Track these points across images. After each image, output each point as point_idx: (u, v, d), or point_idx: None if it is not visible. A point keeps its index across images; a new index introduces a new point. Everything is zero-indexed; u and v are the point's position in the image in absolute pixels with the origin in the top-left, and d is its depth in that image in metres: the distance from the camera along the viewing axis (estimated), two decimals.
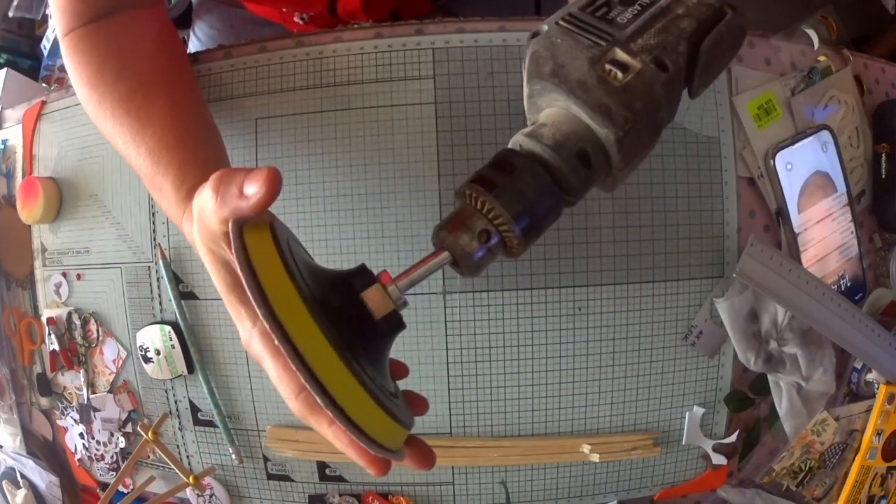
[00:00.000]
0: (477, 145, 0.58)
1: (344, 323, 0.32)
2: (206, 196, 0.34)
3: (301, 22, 0.68)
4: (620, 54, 0.36)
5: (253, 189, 0.32)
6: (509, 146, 0.38)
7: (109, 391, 0.70)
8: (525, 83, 0.40)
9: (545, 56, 0.37)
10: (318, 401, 0.29)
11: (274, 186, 0.32)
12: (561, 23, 0.38)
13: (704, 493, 0.65)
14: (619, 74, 0.36)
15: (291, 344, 0.28)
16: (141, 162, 0.47)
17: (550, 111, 0.38)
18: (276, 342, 0.28)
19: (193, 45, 0.84)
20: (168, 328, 0.64)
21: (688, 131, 0.59)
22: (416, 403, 0.40)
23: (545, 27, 0.39)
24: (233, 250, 0.30)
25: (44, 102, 0.71)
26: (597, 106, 0.35)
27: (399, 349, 0.61)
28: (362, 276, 0.34)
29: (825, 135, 0.61)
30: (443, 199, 0.59)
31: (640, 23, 0.38)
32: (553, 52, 0.37)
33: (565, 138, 0.36)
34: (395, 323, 0.34)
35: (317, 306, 0.30)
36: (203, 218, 0.35)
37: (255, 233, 0.32)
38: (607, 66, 0.36)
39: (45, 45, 1.14)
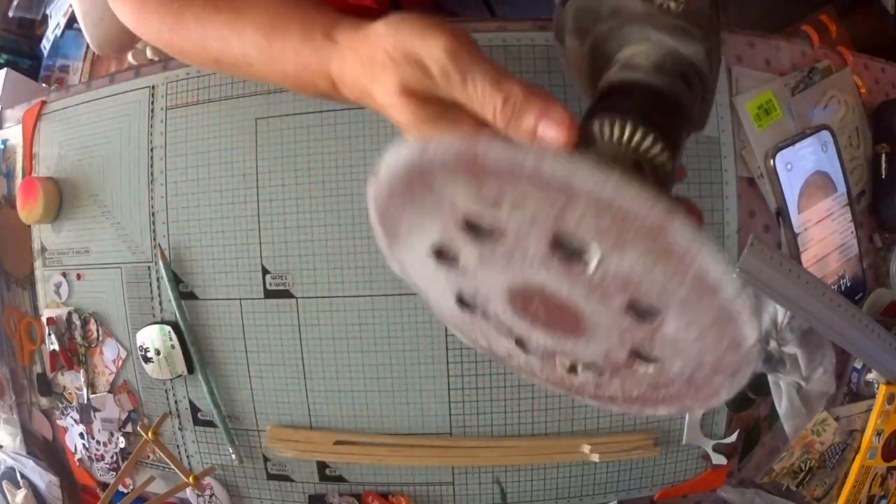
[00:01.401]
0: None
1: None
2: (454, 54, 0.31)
3: None
4: None
5: (550, 133, 0.30)
6: (608, 83, 0.35)
7: (109, 391, 0.70)
8: (574, 40, 0.38)
9: (594, 5, 0.36)
10: None
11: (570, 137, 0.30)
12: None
13: (704, 493, 0.65)
14: (672, 5, 0.35)
15: None
16: (250, 43, 0.42)
17: (629, 48, 0.36)
18: None
19: None
20: (168, 328, 0.64)
21: None
22: None
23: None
24: None
25: (44, 102, 0.71)
26: (675, 28, 0.34)
27: (399, 349, 0.61)
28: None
29: (825, 135, 0.61)
30: None
31: None
32: (601, 2, 0.36)
33: (662, 61, 0.34)
34: None
35: None
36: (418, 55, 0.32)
37: None
38: (657, 1, 0.35)
39: (45, 45, 1.14)
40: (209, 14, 0.44)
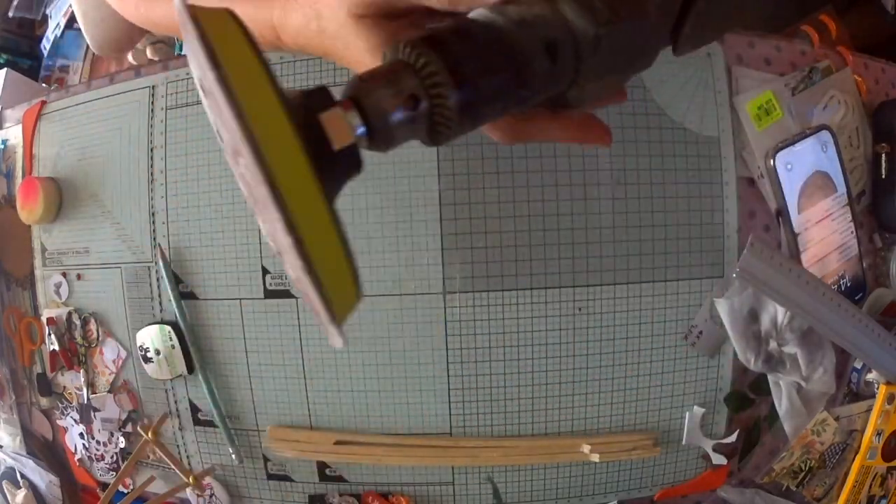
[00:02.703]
0: (477, 145, 0.58)
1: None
2: None
3: None
4: None
5: None
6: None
7: (109, 391, 0.70)
8: None
9: None
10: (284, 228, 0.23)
11: None
12: None
13: (704, 493, 0.65)
14: None
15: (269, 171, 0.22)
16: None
17: None
18: (255, 167, 0.22)
19: None
20: (168, 328, 0.64)
21: (688, 131, 0.59)
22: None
23: None
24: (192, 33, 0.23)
25: (44, 102, 0.71)
26: None
27: (399, 349, 0.61)
28: (320, 96, 0.26)
29: (825, 135, 0.61)
30: (442, 199, 0.59)
31: None
32: None
33: (534, 19, 0.29)
34: (353, 160, 0.27)
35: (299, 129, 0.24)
36: None
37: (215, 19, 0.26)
38: None
39: (45, 45, 1.14)
40: None
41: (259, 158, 0.21)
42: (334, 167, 0.26)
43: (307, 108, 0.25)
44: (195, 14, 0.23)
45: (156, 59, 0.91)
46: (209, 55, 0.22)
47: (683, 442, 0.63)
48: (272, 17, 0.36)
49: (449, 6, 0.29)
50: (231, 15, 0.25)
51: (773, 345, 0.60)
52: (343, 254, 0.26)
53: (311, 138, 0.24)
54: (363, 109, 0.26)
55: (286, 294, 0.62)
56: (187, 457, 0.68)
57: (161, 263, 0.64)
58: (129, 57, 0.92)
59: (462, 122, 0.28)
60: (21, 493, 0.76)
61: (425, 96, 0.27)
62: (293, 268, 0.24)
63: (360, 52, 0.33)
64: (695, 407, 0.62)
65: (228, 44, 0.23)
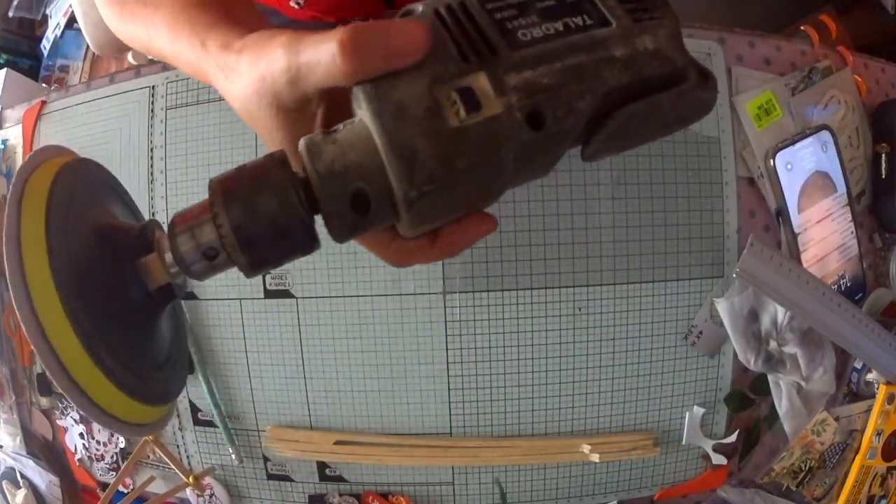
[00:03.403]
0: None
1: (105, 291, 0.28)
2: (314, 54, 0.28)
3: (296, 6, 0.67)
4: (483, 83, 0.26)
5: (404, 46, 0.26)
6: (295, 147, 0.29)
7: None
8: None
9: None
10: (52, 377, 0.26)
11: (426, 44, 0.26)
12: (441, 10, 0.28)
13: (704, 493, 0.65)
14: (463, 112, 0.25)
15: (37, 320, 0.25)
16: (162, 44, 0.41)
17: (353, 125, 0.27)
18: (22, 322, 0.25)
19: None
20: None
21: (688, 131, 0.59)
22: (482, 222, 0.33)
23: (419, 8, 0.28)
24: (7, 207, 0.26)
25: (44, 102, 0.71)
26: (400, 147, 0.25)
27: (399, 349, 0.61)
28: (142, 239, 0.29)
29: (825, 135, 0.61)
30: None
31: (545, 49, 0.27)
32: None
33: (345, 170, 0.27)
34: (168, 294, 0.29)
35: (69, 284, 0.26)
36: (288, 76, 0.29)
37: (34, 191, 0.28)
38: (453, 94, 0.25)
39: (45, 45, 1.14)
40: (139, 8, 0.43)
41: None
42: (153, 300, 0.29)
43: (129, 249, 0.28)
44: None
45: (156, 59, 0.91)
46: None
47: (683, 442, 0.63)
48: (209, 79, 0.36)
49: (350, 80, 0.27)
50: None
51: (773, 345, 0.60)
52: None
53: (127, 278, 0.28)
54: (175, 257, 0.28)
55: (286, 294, 0.62)
56: (187, 457, 0.68)
57: None
58: (129, 57, 0.93)
59: (257, 271, 0.29)
60: (21, 493, 0.76)
61: (222, 250, 0.28)
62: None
63: (280, 144, 0.33)
64: (695, 407, 0.62)
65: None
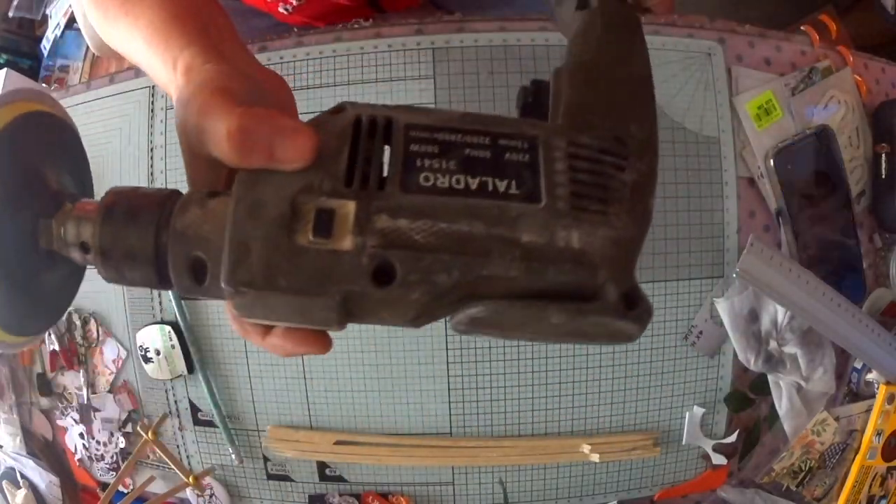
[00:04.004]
0: None
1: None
2: (214, 115, 0.29)
3: (285, 12, 0.67)
4: (348, 213, 0.24)
5: (287, 155, 0.26)
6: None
7: (109, 391, 0.70)
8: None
9: None
10: None
11: (310, 157, 0.26)
12: (363, 119, 0.26)
13: (704, 493, 0.65)
14: (310, 234, 0.24)
15: None
16: (140, 54, 0.42)
17: (228, 199, 0.26)
18: None
19: None
20: (168, 328, 0.64)
21: (688, 131, 0.59)
22: None
23: (349, 109, 0.27)
24: None
25: None
26: (237, 241, 0.24)
27: (399, 349, 0.61)
28: (55, 201, 0.31)
29: (825, 135, 0.61)
30: None
31: (439, 203, 0.24)
32: None
33: (195, 237, 0.27)
34: (59, 260, 0.30)
35: None
36: (193, 122, 0.30)
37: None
38: (312, 213, 0.24)
39: (45, 45, 1.14)
40: (120, 15, 0.43)
41: None
42: (45, 260, 0.31)
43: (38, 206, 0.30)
44: None
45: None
46: None
47: (683, 442, 0.63)
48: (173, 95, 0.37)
49: (237, 164, 0.28)
50: None
51: (773, 345, 0.60)
52: None
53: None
54: (60, 231, 0.30)
55: None
56: (187, 457, 0.68)
57: None
58: None
59: (115, 282, 0.29)
60: (21, 493, 0.76)
61: (91, 250, 0.29)
62: None
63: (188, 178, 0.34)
64: (695, 407, 0.62)
65: None
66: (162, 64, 0.38)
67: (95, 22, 0.47)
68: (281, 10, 0.67)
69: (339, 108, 0.27)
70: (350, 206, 0.24)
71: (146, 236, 0.28)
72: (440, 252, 0.23)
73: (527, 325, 0.24)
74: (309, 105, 0.60)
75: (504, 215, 0.23)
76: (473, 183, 0.24)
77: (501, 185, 0.24)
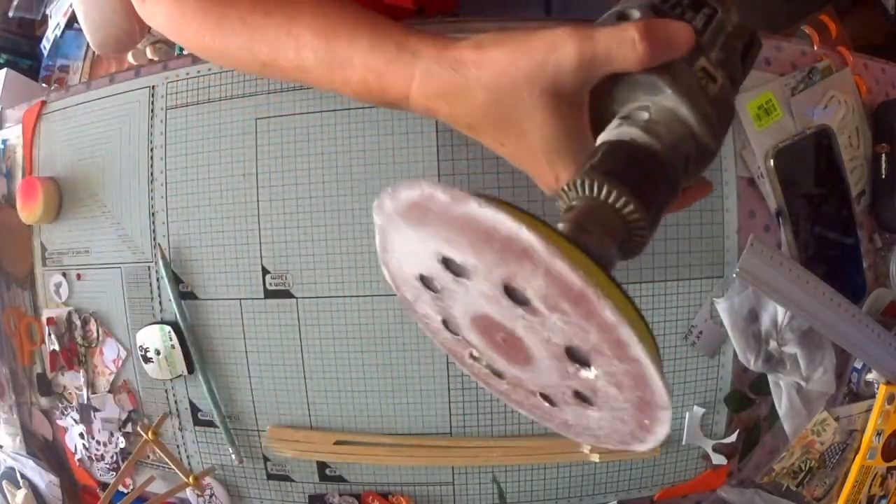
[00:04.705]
0: (477, 146, 0.58)
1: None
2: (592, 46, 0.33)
3: None
4: (706, 63, 0.34)
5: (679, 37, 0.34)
6: (618, 138, 0.33)
7: (109, 391, 0.70)
8: None
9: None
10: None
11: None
12: (651, 13, 0.35)
13: (704, 493, 0.65)
14: (711, 84, 0.34)
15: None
16: (308, 49, 0.41)
17: (657, 108, 0.34)
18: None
19: None
20: (168, 328, 0.64)
21: None
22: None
23: (636, 13, 0.35)
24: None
25: (44, 102, 0.71)
26: (703, 115, 0.33)
27: (399, 349, 0.61)
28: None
29: (825, 135, 0.61)
30: None
31: (710, 33, 0.36)
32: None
33: (679, 141, 0.33)
34: None
35: None
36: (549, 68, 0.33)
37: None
38: (699, 74, 0.34)
39: (45, 45, 1.14)
40: (257, 18, 0.42)
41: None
42: None
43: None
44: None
45: (156, 59, 0.91)
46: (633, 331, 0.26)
47: (683, 442, 0.63)
48: (412, 84, 0.38)
49: (643, 66, 0.33)
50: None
51: (773, 345, 0.60)
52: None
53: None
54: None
55: (286, 294, 0.62)
56: (187, 457, 0.68)
57: (161, 263, 0.64)
58: (129, 57, 0.93)
59: (653, 222, 0.32)
60: (21, 493, 0.76)
61: (622, 223, 0.31)
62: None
63: (540, 142, 0.36)
64: (695, 407, 0.62)
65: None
66: (370, 52, 0.39)
67: (198, 32, 0.45)
68: None
69: (623, 15, 0.36)
70: (703, 60, 0.35)
71: (663, 167, 0.34)
72: (730, 52, 0.36)
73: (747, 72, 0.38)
74: (310, 105, 0.60)
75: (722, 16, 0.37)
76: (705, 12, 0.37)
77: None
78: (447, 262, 0.29)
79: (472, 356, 0.35)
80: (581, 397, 0.31)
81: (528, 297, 0.27)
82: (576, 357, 0.28)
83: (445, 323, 0.34)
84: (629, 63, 0.33)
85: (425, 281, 0.32)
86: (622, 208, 0.30)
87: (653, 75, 0.34)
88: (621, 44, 0.33)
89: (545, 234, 0.25)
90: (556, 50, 0.33)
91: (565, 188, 0.31)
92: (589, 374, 0.28)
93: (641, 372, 0.26)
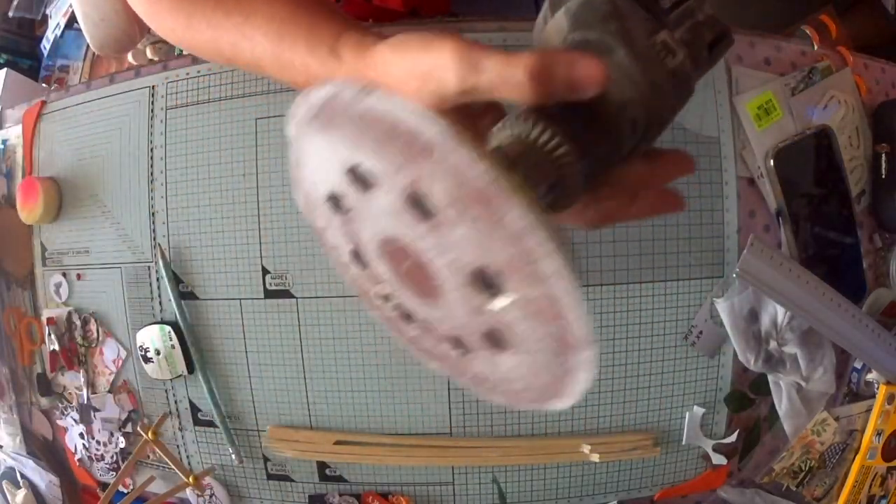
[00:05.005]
0: None
1: None
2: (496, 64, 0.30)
3: None
4: (667, 37, 0.34)
5: (584, 73, 0.29)
6: None
7: (109, 391, 0.70)
8: (566, 20, 0.36)
9: (604, 2, 0.34)
10: None
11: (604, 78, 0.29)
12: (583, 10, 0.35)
13: (704, 493, 0.65)
14: (670, 58, 0.34)
15: None
16: (260, 49, 0.42)
17: (612, 63, 0.33)
18: None
19: None
20: (168, 328, 0.64)
21: (688, 131, 0.59)
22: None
23: (565, 22, 0.35)
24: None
25: (44, 102, 0.71)
26: (654, 84, 0.33)
27: (399, 349, 0.61)
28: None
29: (825, 135, 0.61)
30: None
31: (678, 15, 0.36)
32: (615, 3, 0.34)
33: (627, 102, 0.33)
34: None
35: None
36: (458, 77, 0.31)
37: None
38: (658, 46, 0.34)
39: (45, 45, 1.14)
40: (219, 17, 0.44)
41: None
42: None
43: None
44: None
45: (156, 59, 0.91)
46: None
47: (683, 442, 0.63)
48: (336, 77, 0.36)
49: (532, 105, 0.30)
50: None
51: (773, 345, 0.60)
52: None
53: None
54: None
55: (286, 294, 0.62)
56: (187, 457, 0.68)
57: (161, 263, 0.64)
58: (129, 57, 0.92)
59: (580, 171, 0.30)
60: (21, 493, 0.76)
61: (550, 162, 0.29)
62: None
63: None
64: (695, 407, 0.62)
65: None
66: (308, 55, 0.39)
67: (174, 28, 0.47)
68: None
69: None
70: (665, 34, 0.34)
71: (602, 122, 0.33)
72: (697, 37, 0.36)
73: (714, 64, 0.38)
74: None
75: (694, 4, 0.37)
76: None
77: None
78: (354, 172, 0.27)
79: (380, 296, 0.33)
80: (493, 339, 0.28)
81: (432, 207, 0.25)
82: (485, 282, 0.26)
83: (355, 254, 0.32)
84: (515, 100, 0.30)
85: (334, 201, 0.30)
86: (553, 150, 0.29)
87: (607, 37, 0.33)
88: (506, 81, 0.29)
89: (449, 124, 0.23)
90: (438, 68, 0.31)
91: (496, 128, 0.30)
92: (499, 302, 0.26)
93: (554, 293, 0.24)
